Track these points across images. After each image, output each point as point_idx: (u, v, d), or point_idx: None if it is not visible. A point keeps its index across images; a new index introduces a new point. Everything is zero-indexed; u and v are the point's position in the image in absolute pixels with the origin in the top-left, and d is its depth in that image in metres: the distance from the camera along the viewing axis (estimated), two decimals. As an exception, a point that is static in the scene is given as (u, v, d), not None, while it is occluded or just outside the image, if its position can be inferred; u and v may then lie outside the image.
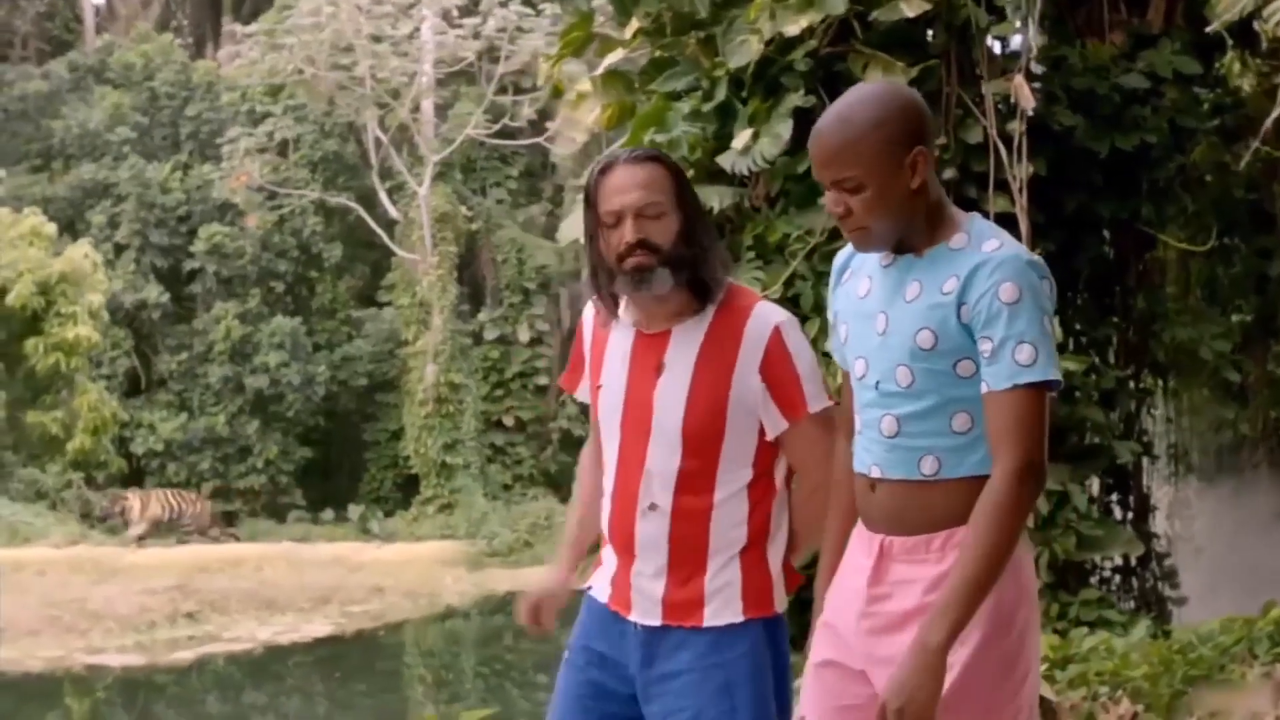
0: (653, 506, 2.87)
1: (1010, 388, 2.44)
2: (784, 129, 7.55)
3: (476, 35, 29.35)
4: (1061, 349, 7.83)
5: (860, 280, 2.67)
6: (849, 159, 2.52)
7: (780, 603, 2.91)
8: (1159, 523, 9.10)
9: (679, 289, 2.85)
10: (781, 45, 7.68)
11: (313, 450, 32.23)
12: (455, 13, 29.70)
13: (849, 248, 2.73)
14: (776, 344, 2.86)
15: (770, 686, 2.87)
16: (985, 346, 2.47)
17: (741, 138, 7.64)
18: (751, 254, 7.62)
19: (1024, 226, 7.71)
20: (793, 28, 7.49)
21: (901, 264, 2.61)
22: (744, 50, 7.71)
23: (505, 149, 32.95)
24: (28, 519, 23.38)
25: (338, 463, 33.42)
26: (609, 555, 3.00)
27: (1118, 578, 8.70)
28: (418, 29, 29.58)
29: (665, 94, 8.13)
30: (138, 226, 31.63)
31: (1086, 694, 5.64)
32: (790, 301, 7.62)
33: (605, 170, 2.87)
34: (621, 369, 2.95)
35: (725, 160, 7.67)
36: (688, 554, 2.87)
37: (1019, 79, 7.67)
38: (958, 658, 2.47)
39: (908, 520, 2.57)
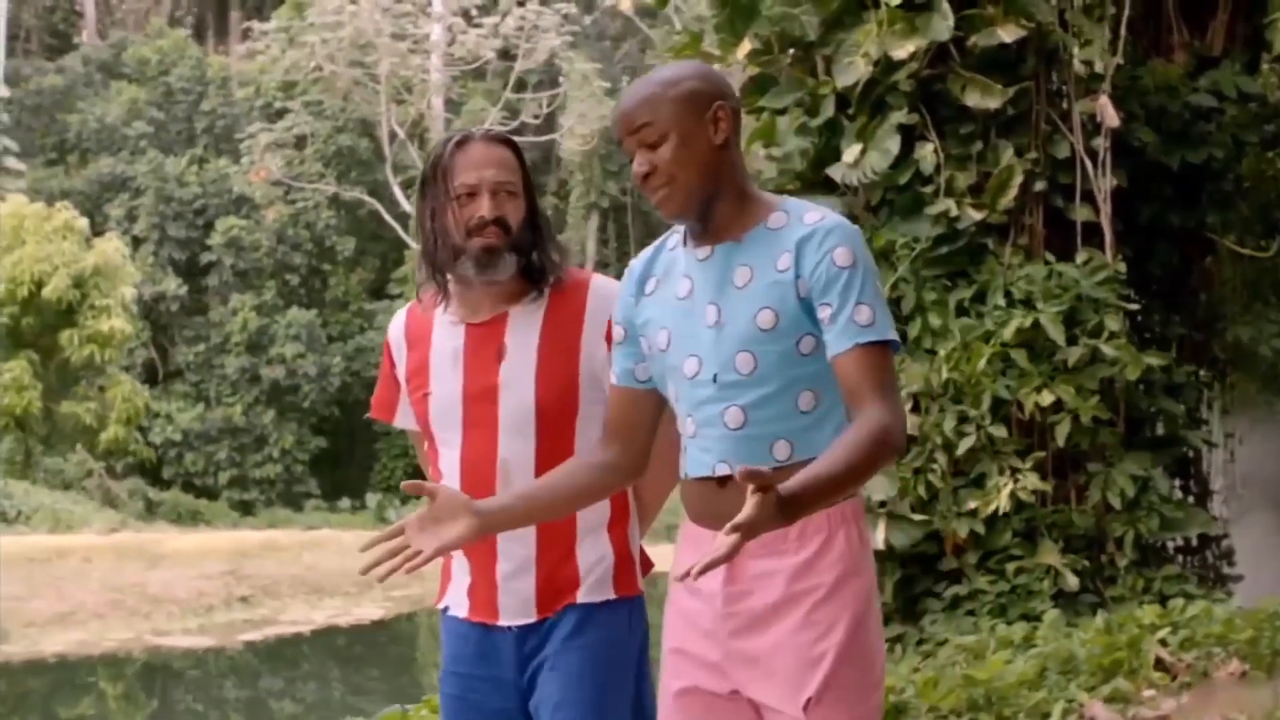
0: None
1: (853, 346, 2.41)
2: (892, 144, 8.20)
3: (496, 34, 29.96)
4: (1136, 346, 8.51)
5: (676, 282, 2.58)
6: (647, 111, 2.49)
7: (640, 583, 2.86)
8: (1216, 507, 9.81)
9: (517, 274, 2.79)
10: (885, 66, 8.32)
11: (325, 440, 32.84)
12: (474, 12, 30.30)
13: (642, 257, 2.68)
14: None
15: (634, 669, 2.81)
16: (825, 313, 2.44)
17: (851, 152, 8.30)
18: (860, 259, 8.28)
19: (1108, 235, 8.41)
20: (900, 51, 8.14)
21: (721, 253, 2.53)
22: (851, 70, 8.35)
23: (510, 144, 33.54)
24: (68, 506, 23.91)
25: (348, 452, 34.00)
26: (459, 568, 2.86)
27: (1180, 557, 9.39)
28: (447, 28, 30.18)
29: (773, 110, 8.79)
30: (156, 220, 32.20)
31: (1199, 654, 6.35)
32: (893, 303, 8.31)
33: (461, 144, 2.79)
34: (454, 367, 2.82)
35: (835, 172, 8.34)
36: (557, 538, 2.78)
37: (1104, 99, 8.35)
38: (831, 643, 2.44)
39: None
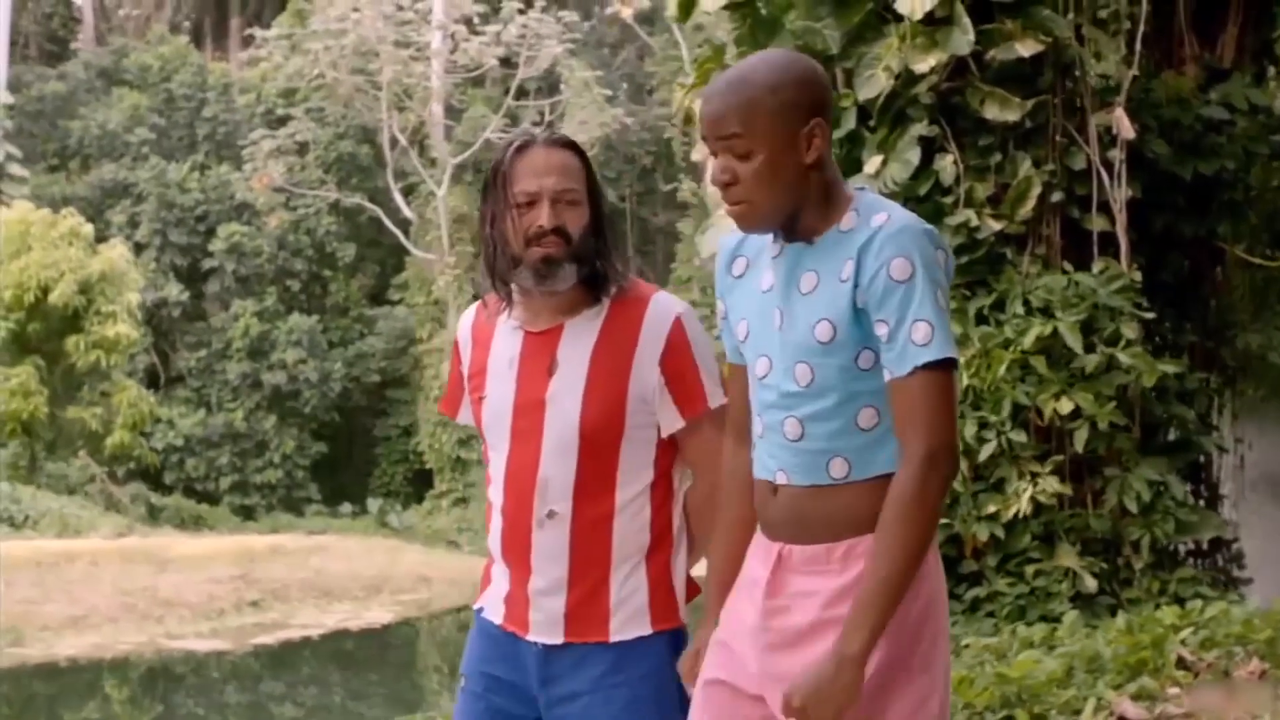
0: (551, 514, 2.70)
1: (911, 371, 2.30)
2: (912, 155, 8.40)
3: (498, 41, 30.17)
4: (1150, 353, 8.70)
5: (762, 274, 2.48)
6: (740, 119, 2.34)
7: (684, 613, 2.78)
8: (1226, 511, 10.00)
9: (578, 284, 2.71)
10: (906, 80, 8.51)
11: (326, 445, 32.96)
12: (476, 20, 30.50)
13: (734, 235, 2.57)
14: (678, 335, 2.71)
15: (676, 704, 2.71)
16: (881, 330, 2.32)
17: (872, 163, 8.49)
18: (881, 268, 8.47)
19: (1124, 245, 8.61)
20: (922, 65, 8.33)
21: (791, 254, 2.43)
22: (873, 83, 8.55)
23: (508, 151, 33.75)
24: (75, 511, 24.03)
25: (348, 457, 34.12)
26: (499, 572, 2.81)
27: (1191, 560, 9.57)
28: (449, 36, 30.39)
29: (794, 122, 8.97)
30: (158, 226, 32.31)
31: (1220, 654, 6.51)
32: (914, 310, 8.49)
33: (522, 149, 2.70)
34: (509, 373, 2.76)
35: (856, 183, 8.52)
36: (590, 563, 2.70)
37: (1119, 111, 8.54)
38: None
39: (811, 526, 2.40)
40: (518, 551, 2.73)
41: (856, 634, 2.26)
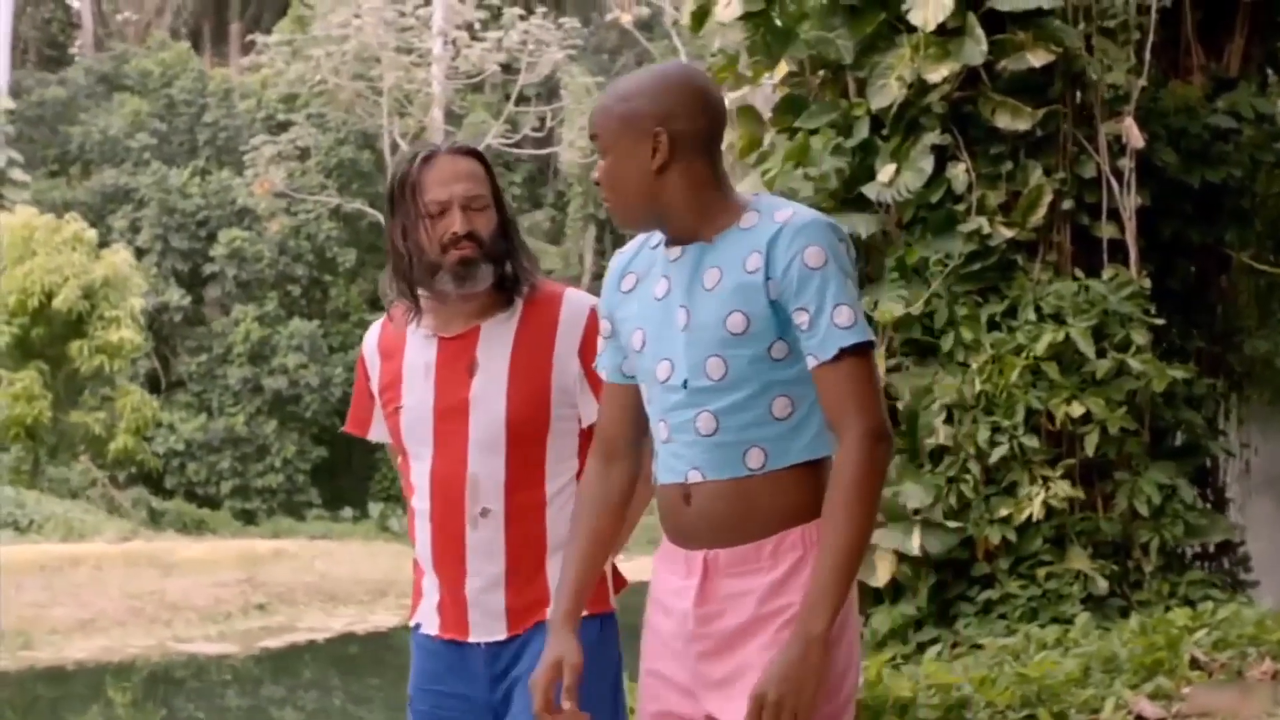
0: (484, 512, 2.76)
1: (838, 354, 2.33)
2: (926, 164, 8.50)
3: (499, 47, 30.29)
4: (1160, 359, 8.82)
5: (656, 282, 2.50)
6: (596, 123, 2.47)
7: (613, 600, 2.85)
8: (1233, 514, 10.11)
9: (492, 285, 2.80)
10: (919, 89, 8.62)
11: (326, 450, 33.05)
12: (477, 26, 30.63)
13: (624, 252, 2.62)
14: (594, 326, 2.78)
15: (609, 686, 2.80)
16: (801, 318, 2.35)
17: (886, 171, 8.59)
18: (895, 275, 8.59)
19: (1133, 252, 8.72)
20: (934, 75, 8.43)
21: (693, 253, 2.45)
22: (885, 92, 8.65)
23: (508, 156, 33.93)
24: (79, 515, 24.10)
25: (348, 462, 34.20)
26: (430, 584, 2.85)
27: (1198, 563, 9.68)
28: (451, 42, 30.50)
29: (807, 130, 9.08)
30: (159, 231, 32.43)
31: (1233, 654, 6.63)
32: (926, 317, 8.61)
33: (428, 160, 2.79)
34: (425, 380, 2.82)
35: (870, 191, 8.63)
36: (527, 555, 2.78)
37: (1129, 120, 8.66)
38: None
39: (733, 526, 2.41)
40: (451, 555, 2.78)
41: (819, 615, 2.29)
